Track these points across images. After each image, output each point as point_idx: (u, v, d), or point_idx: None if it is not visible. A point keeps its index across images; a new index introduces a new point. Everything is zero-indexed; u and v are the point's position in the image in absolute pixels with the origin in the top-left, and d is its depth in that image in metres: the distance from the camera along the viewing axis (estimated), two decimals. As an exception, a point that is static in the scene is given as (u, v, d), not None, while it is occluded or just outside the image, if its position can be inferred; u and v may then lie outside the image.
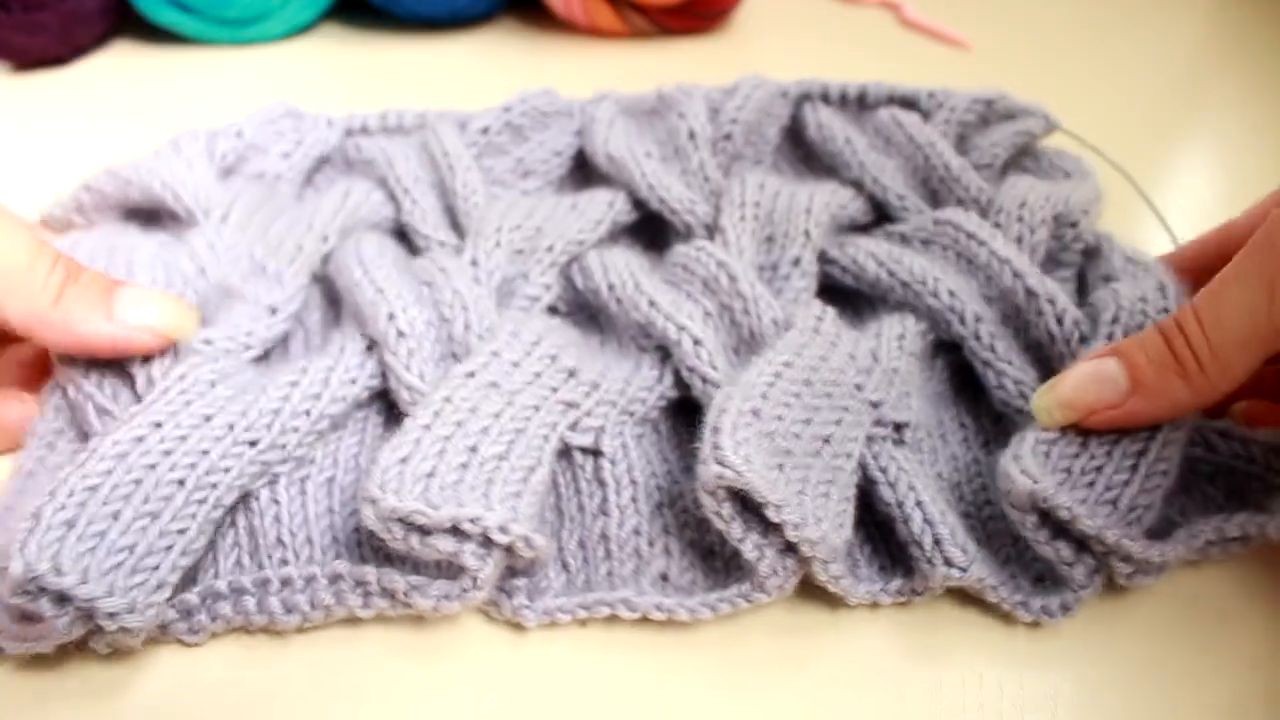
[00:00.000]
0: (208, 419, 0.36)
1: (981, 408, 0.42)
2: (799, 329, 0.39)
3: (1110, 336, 0.38)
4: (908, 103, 0.55)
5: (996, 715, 0.34)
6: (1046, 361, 0.41)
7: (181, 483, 0.34)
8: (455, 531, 0.33)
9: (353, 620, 0.35)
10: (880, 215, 0.50)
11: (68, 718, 0.33)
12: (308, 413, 0.38)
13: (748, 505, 0.34)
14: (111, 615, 0.31)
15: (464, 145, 0.50)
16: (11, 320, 0.35)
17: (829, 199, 0.48)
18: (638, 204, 0.49)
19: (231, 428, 0.36)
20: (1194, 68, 0.71)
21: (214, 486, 0.35)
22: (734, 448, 0.33)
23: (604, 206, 0.48)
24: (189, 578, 0.35)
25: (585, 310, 0.46)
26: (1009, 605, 0.35)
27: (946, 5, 0.75)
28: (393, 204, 0.49)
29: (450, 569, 0.34)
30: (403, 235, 0.49)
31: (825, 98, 0.55)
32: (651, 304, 0.41)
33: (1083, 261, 0.47)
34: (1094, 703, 0.34)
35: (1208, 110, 0.67)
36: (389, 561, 0.35)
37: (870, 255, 0.45)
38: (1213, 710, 0.34)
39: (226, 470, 0.36)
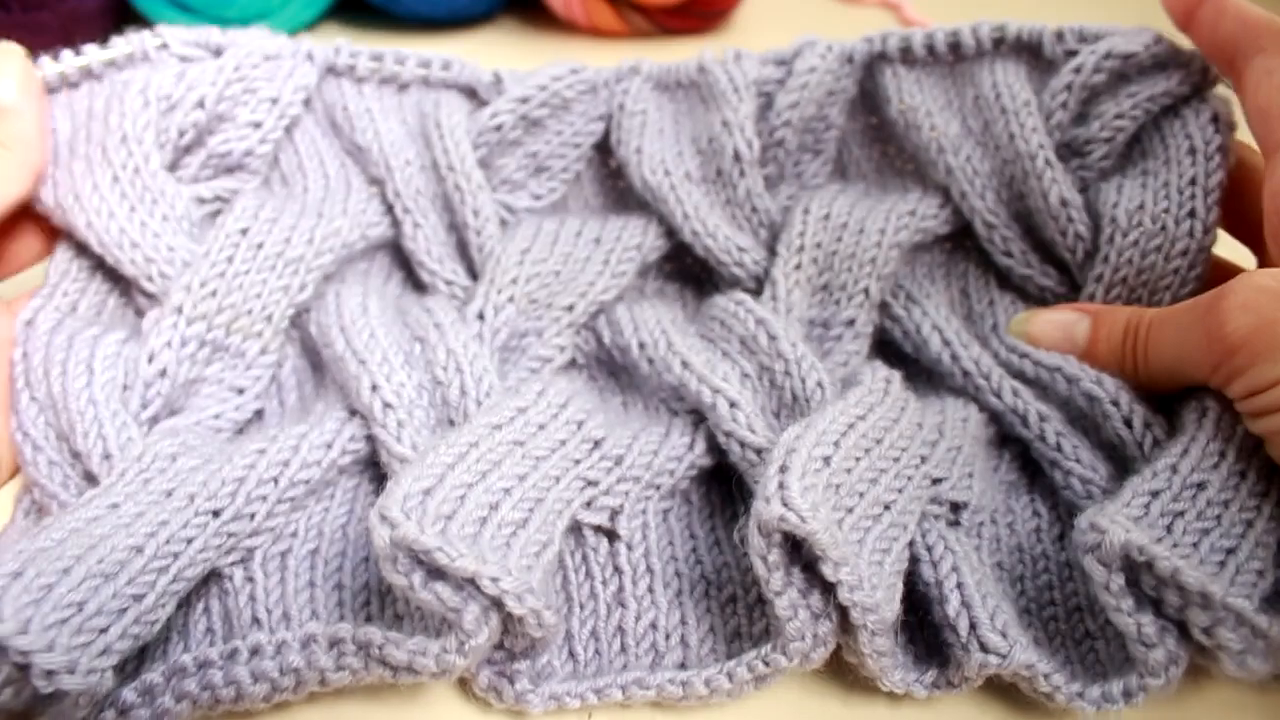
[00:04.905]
0: (169, 494, 0.34)
1: (1060, 498, 0.38)
2: (868, 387, 0.37)
3: (1174, 469, 0.34)
4: (1028, 48, 0.43)
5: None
6: (1121, 460, 0.37)
7: (139, 549, 0.32)
8: (462, 586, 0.30)
9: (335, 700, 0.34)
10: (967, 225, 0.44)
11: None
12: (275, 480, 0.36)
13: (792, 558, 0.32)
14: (49, 674, 0.29)
15: (471, 145, 0.45)
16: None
17: (905, 223, 0.43)
18: (672, 231, 0.45)
19: (193, 498, 0.34)
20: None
21: (175, 556, 0.33)
22: (802, 492, 0.31)
23: (633, 250, 0.44)
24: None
25: (606, 364, 0.43)
26: (1063, 695, 0.32)
27: (947, 5, 0.74)
28: (390, 219, 0.45)
29: (433, 628, 0.32)
30: (401, 253, 0.46)
31: (907, 56, 0.45)
32: (685, 365, 0.39)
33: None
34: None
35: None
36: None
37: (936, 330, 0.41)
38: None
39: (189, 541, 0.34)
